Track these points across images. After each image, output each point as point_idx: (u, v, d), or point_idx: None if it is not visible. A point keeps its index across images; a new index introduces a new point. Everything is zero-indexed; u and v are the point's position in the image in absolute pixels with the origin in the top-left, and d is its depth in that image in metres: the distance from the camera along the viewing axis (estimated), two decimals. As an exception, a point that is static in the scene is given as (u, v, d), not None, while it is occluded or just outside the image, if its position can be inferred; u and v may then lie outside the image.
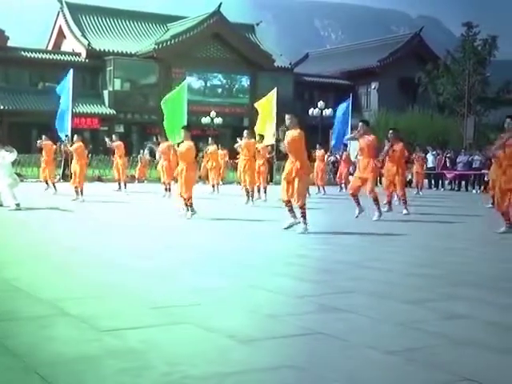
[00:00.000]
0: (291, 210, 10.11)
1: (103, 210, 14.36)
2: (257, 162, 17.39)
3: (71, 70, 23.57)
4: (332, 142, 30.69)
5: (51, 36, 56.58)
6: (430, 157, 29.70)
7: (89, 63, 48.75)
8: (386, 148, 14.20)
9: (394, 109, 47.71)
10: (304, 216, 9.81)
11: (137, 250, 7.97)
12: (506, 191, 10.25)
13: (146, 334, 4.05)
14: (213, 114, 46.17)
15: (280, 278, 6.20)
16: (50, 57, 48.96)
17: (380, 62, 54.95)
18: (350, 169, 22.76)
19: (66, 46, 52.85)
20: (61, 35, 54.39)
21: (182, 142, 12.74)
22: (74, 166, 16.89)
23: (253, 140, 17.21)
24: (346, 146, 29.40)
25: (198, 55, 50.91)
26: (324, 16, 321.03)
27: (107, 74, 49.07)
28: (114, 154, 22.84)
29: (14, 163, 16.04)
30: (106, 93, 49.04)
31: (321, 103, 39.26)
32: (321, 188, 21.72)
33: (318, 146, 22.97)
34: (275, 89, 26.70)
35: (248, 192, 16.28)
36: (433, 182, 29.16)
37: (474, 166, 27.10)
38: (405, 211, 13.69)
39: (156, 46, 49.25)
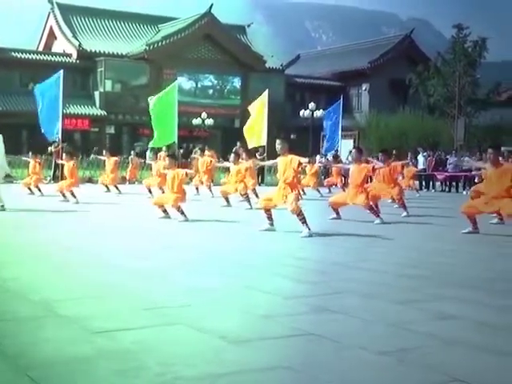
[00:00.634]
0: (270, 218, 10.41)
1: (96, 212, 14.31)
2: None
3: (61, 71, 23.57)
4: (324, 145, 30.84)
5: (42, 37, 56.39)
6: (420, 158, 29.76)
7: (80, 64, 48.60)
8: (382, 166, 14.26)
9: (384, 110, 47.78)
10: (304, 221, 9.85)
11: (129, 250, 7.96)
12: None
13: (139, 334, 4.05)
14: (204, 115, 46.13)
15: (273, 279, 6.22)
16: (41, 58, 48.79)
17: (371, 63, 55.04)
18: (342, 171, 22.71)
19: (57, 47, 52.68)
20: (51, 36, 54.23)
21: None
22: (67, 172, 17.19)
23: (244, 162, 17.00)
24: (336, 150, 29.53)
25: (189, 56, 50.87)
26: (315, 17, 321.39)
27: (98, 75, 48.96)
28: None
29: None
30: (96, 94, 48.92)
31: (312, 104, 39.26)
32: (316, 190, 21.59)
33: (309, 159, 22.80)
34: (267, 91, 26.75)
35: (244, 196, 16.14)
36: (423, 183, 29.23)
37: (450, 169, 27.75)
38: (404, 213, 13.89)
39: (147, 47, 49.18)
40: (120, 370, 3.36)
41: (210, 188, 19.81)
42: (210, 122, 46.57)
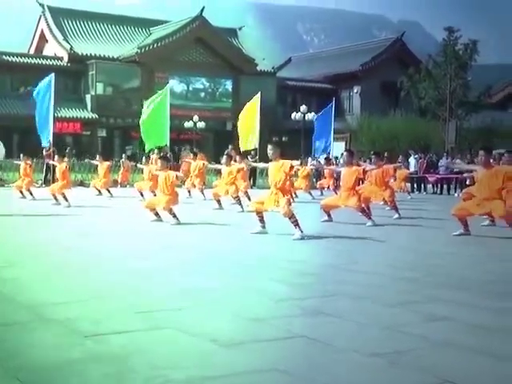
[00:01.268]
0: (262, 220, 10.40)
1: (88, 215, 14.26)
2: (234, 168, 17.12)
3: (52, 75, 23.48)
4: (316, 148, 30.83)
5: (33, 40, 56.23)
6: (412, 161, 29.84)
7: (71, 67, 48.45)
8: (374, 167, 14.29)
9: (376, 113, 47.89)
10: (297, 224, 9.84)
11: (119, 253, 7.94)
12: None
13: (129, 338, 4.03)
14: (195, 117, 46.12)
15: (266, 282, 6.20)
16: (32, 61, 48.63)
17: (362, 66, 55.12)
18: (334, 174, 22.71)
19: (48, 50, 52.53)
20: (43, 39, 54.08)
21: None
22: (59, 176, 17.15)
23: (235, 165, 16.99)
24: (328, 153, 29.53)
25: (181, 59, 50.80)
26: (307, 20, 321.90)
27: (89, 78, 48.83)
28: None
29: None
30: (88, 97, 48.80)
31: (303, 107, 39.28)
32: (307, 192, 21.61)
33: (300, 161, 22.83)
34: (259, 94, 26.77)
35: (235, 199, 16.12)
36: (415, 185, 29.29)
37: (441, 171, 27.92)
38: (396, 215, 13.92)
39: (138, 50, 49.10)
40: (110, 373, 3.34)
41: (202, 191, 19.79)
42: (201, 124, 46.57)
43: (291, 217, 9.88)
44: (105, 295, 5.37)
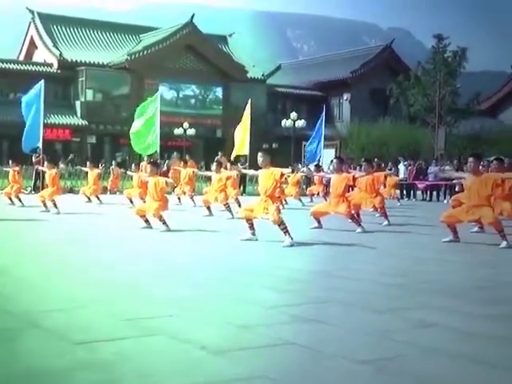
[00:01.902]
0: (251, 227, 10.41)
1: (78, 221, 14.22)
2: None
3: (42, 81, 23.41)
4: (306, 155, 30.91)
5: (23, 46, 56.13)
6: (401, 167, 29.91)
7: (61, 74, 48.38)
8: (363, 174, 14.37)
9: (366, 120, 48.06)
10: (286, 231, 9.86)
11: (109, 260, 7.93)
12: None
13: (118, 346, 4.02)
14: (186, 124, 46.08)
15: (254, 289, 6.20)
16: (22, 67, 48.55)
17: (352, 73, 55.29)
18: (324, 181, 22.71)
19: (38, 57, 52.44)
20: (32, 45, 53.98)
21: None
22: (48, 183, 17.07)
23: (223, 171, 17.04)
24: (319, 160, 29.57)
25: (171, 66, 50.81)
26: (296, 27, 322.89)
27: (79, 85, 48.76)
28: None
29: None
30: (78, 103, 48.72)
31: (293, 114, 39.33)
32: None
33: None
34: (249, 102, 26.76)
35: (225, 206, 16.10)
36: (405, 192, 29.36)
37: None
38: (385, 222, 13.95)
39: (128, 57, 49.09)
40: (100, 381, 3.33)
41: (192, 198, 19.80)
42: (191, 131, 46.53)
43: (281, 224, 9.89)
44: (94, 303, 5.35)
